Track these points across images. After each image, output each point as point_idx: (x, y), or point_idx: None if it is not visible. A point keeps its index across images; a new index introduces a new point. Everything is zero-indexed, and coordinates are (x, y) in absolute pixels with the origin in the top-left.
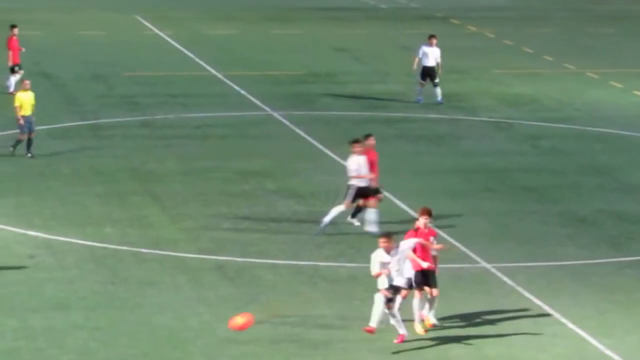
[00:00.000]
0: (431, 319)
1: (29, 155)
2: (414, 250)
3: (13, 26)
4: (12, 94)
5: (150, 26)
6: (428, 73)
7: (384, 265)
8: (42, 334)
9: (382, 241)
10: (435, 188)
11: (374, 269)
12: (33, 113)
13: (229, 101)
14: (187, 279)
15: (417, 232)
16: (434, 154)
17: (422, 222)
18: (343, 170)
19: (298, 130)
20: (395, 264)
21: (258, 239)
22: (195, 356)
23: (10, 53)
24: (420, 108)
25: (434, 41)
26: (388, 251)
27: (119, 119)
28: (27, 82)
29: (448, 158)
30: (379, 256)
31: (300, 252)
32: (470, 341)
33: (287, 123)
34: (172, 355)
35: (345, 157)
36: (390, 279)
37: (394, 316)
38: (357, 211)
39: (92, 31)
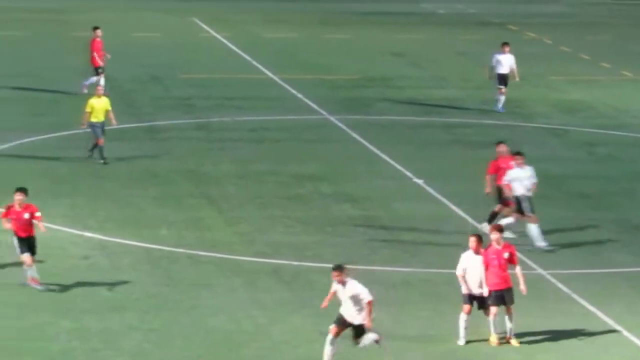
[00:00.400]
0: (512, 339)
1: (90, 155)
2: (486, 269)
3: (95, 28)
4: (83, 93)
5: (207, 28)
6: (504, 80)
7: (336, 296)
8: (96, 335)
9: (334, 274)
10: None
11: (326, 298)
12: (108, 118)
13: (285, 104)
14: (243, 282)
15: (487, 249)
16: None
17: (494, 237)
18: (399, 174)
19: (354, 135)
20: (345, 298)
21: (313, 243)
22: (250, 359)
23: (94, 55)
24: (478, 114)
25: (507, 49)
26: (342, 284)
27: (175, 121)
28: (101, 87)
29: None
30: (334, 287)
31: (355, 257)
32: (524, 347)
33: (343, 127)
34: (227, 357)
35: (400, 161)
36: (343, 308)
37: (364, 346)
38: (492, 217)
39: (149, 33)
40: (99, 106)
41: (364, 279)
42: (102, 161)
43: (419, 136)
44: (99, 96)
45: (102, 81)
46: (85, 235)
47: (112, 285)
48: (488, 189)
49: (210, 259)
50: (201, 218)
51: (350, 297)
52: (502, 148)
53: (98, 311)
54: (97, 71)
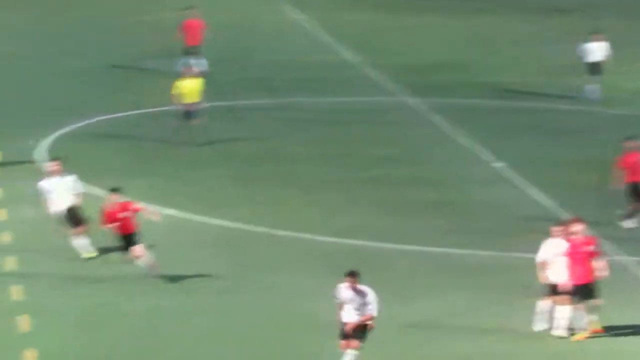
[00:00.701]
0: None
1: (185, 136)
2: (570, 262)
3: (189, 7)
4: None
5: (289, 10)
6: (595, 69)
7: (343, 300)
8: (172, 313)
9: (347, 279)
10: (570, 180)
11: (337, 301)
12: (201, 99)
13: (364, 87)
14: (320, 262)
15: (571, 243)
16: (570, 145)
17: (577, 229)
18: (477, 158)
19: (432, 118)
20: (356, 304)
21: (391, 225)
22: (327, 340)
23: (187, 35)
24: (557, 100)
25: (598, 37)
26: (354, 290)
27: (255, 101)
28: (193, 69)
29: (583, 150)
30: (341, 291)
31: (432, 239)
32: (607, 335)
33: (421, 110)
34: (303, 338)
35: (478, 145)
36: (346, 315)
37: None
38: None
39: (231, 14)
40: (191, 87)
41: (440, 263)
42: (190, 139)
43: (497, 120)
44: (191, 77)
45: (193, 61)
46: (164, 213)
47: (190, 263)
48: (616, 184)
49: (288, 239)
50: (280, 198)
51: (360, 305)
52: (633, 144)
53: (175, 289)
54: (191, 51)
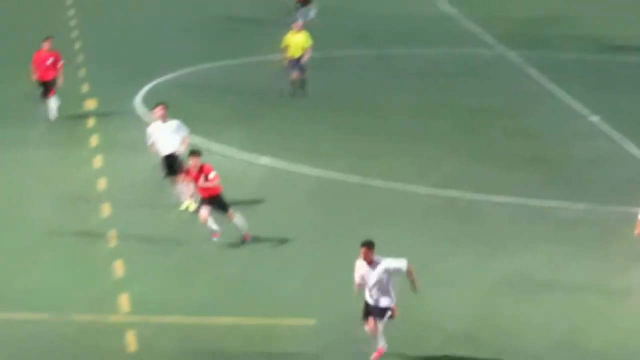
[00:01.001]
0: None
1: (290, 91)
2: None
3: None
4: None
5: None
6: None
7: (362, 277)
8: (267, 264)
9: (362, 250)
10: None
11: (355, 279)
12: (306, 52)
13: (462, 39)
14: (415, 212)
15: None
16: None
17: None
18: (575, 112)
19: (529, 71)
20: (373, 279)
21: (487, 177)
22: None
23: None
24: None
25: None
26: (369, 263)
27: (353, 51)
28: (299, 23)
29: None
30: (358, 267)
31: (529, 191)
32: None
33: (519, 63)
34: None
35: (576, 99)
36: (365, 294)
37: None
38: None
39: None
40: (295, 41)
41: (537, 215)
42: (288, 89)
43: (596, 74)
44: (297, 31)
45: (301, 15)
46: (260, 162)
47: (284, 213)
48: None
49: (384, 190)
50: (376, 149)
51: (378, 280)
52: None
53: (268, 240)
54: (300, 4)
